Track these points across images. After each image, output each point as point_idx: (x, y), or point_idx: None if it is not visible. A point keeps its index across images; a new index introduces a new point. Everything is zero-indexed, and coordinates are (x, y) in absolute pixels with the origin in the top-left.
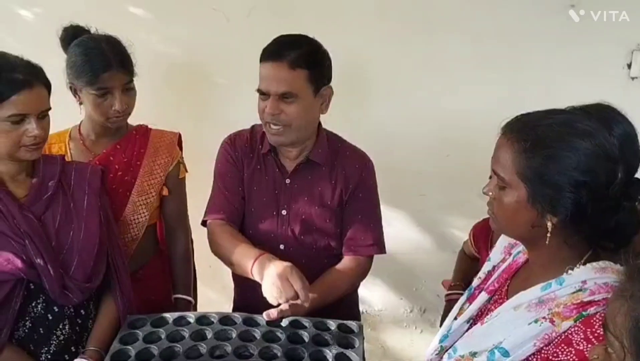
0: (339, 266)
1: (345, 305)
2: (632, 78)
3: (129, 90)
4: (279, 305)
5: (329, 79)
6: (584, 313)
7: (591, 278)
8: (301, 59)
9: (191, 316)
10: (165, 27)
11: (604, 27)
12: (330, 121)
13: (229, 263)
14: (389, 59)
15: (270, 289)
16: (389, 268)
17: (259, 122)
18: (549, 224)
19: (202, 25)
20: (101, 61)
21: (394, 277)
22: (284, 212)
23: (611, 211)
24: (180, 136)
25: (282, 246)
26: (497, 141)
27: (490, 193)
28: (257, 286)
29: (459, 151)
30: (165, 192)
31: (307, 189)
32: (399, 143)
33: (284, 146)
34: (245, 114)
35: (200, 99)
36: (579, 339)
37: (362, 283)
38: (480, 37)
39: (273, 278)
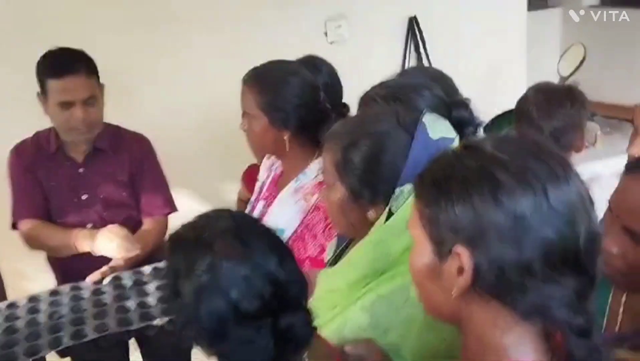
0: (141, 229)
1: (156, 259)
2: (331, 43)
3: None
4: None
5: None
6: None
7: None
8: (91, 68)
9: (22, 300)
10: None
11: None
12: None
13: (51, 249)
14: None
15: (117, 251)
16: None
17: (36, 130)
18: (285, 137)
19: None
20: None
21: None
22: (84, 197)
23: (322, 119)
24: None
25: (89, 226)
26: (241, 91)
27: (245, 129)
28: (76, 264)
29: (218, 129)
30: None
31: (99, 172)
32: (166, 134)
33: (90, 140)
34: (20, 127)
35: None
36: (322, 203)
37: None
38: (213, 25)
39: (111, 242)
